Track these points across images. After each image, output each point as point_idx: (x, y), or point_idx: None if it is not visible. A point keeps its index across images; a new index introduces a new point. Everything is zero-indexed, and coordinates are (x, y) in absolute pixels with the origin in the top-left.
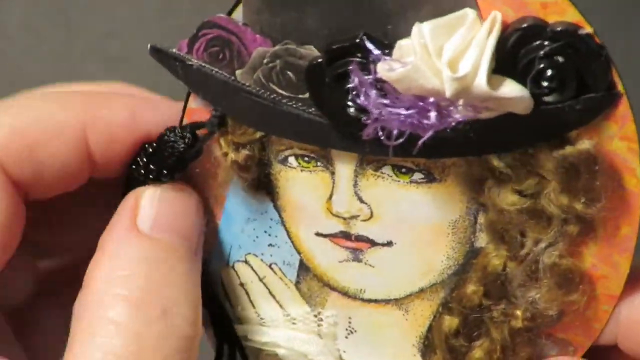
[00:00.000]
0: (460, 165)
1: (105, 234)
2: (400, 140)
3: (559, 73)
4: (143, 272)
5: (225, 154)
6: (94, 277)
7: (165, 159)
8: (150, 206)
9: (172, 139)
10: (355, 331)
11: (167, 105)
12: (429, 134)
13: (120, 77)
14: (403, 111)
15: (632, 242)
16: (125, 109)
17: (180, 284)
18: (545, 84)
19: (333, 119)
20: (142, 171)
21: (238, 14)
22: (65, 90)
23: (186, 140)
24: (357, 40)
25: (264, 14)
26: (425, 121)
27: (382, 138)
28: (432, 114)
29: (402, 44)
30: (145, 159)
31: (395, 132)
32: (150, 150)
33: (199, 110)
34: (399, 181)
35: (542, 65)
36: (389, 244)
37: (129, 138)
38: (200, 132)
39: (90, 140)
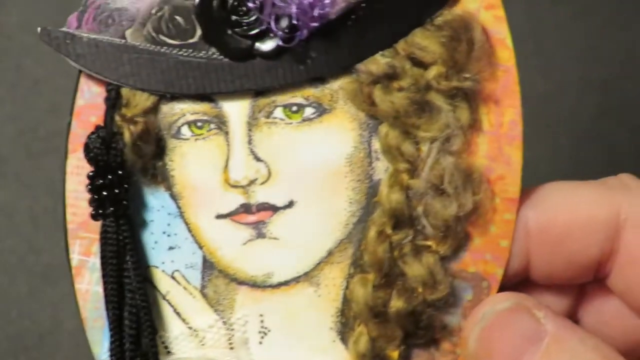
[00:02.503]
0: (347, 86)
1: None
2: (286, 23)
3: None
4: None
5: (122, 134)
6: None
7: (107, 168)
8: None
9: (96, 148)
10: (269, 331)
11: None
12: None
13: None
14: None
15: (519, 127)
16: None
17: None
18: None
19: (224, 48)
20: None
21: None
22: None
23: (99, 134)
24: None
25: None
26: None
27: (271, 25)
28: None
29: None
30: (95, 184)
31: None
32: (91, 173)
33: (86, 106)
34: (291, 123)
35: None
36: (291, 204)
37: None
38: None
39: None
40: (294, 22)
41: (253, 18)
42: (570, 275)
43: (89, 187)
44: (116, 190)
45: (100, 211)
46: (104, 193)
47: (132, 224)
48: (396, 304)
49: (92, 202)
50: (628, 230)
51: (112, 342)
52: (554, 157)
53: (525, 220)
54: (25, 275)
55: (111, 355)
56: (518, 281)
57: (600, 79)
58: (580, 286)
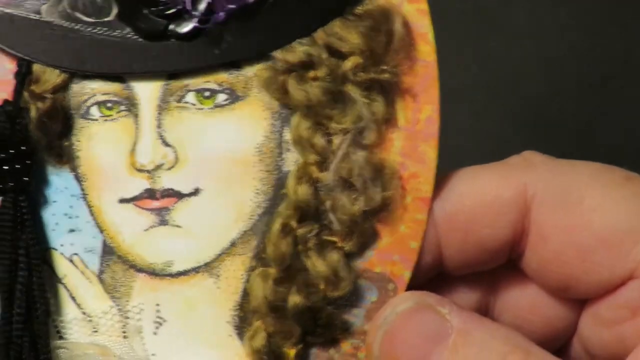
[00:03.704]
0: (262, 73)
1: None
2: (204, 5)
3: None
4: None
5: (29, 110)
6: None
7: (10, 142)
8: None
9: (0, 122)
10: (165, 321)
11: None
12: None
13: None
14: None
15: (436, 125)
16: None
17: None
18: None
19: (138, 27)
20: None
21: None
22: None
23: (5, 108)
24: None
25: None
26: None
27: (187, 6)
28: None
29: None
30: None
31: None
32: None
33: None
34: (202, 109)
35: None
36: (196, 192)
37: None
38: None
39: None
40: (211, 2)
41: None
42: (484, 261)
43: None
44: (17, 166)
45: (0, 186)
46: (5, 167)
47: (32, 201)
48: (294, 299)
49: None
50: (536, 207)
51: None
52: (553, 157)
53: (432, 212)
54: None
55: None
56: (432, 275)
57: (600, 79)
58: (492, 276)
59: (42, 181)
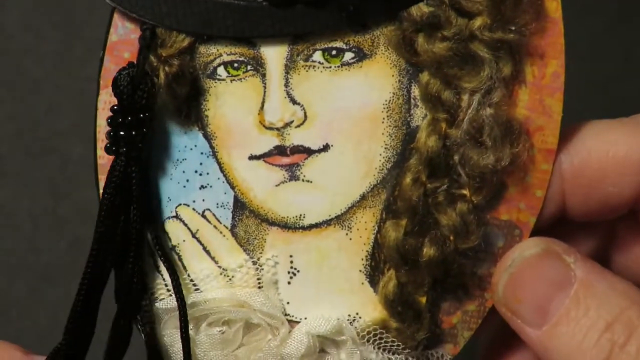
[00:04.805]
0: (388, 32)
1: None
2: None
3: None
4: None
5: (156, 75)
6: None
7: (130, 108)
8: None
9: (123, 86)
10: (298, 272)
11: None
12: None
13: None
14: None
15: (561, 79)
16: None
17: None
18: None
19: None
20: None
21: None
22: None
23: (130, 73)
24: None
25: None
26: None
27: None
28: None
29: None
30: (115, 119)
31: None
32: (115, 107)
33: (120, 42)
34: (330, 67)
35: None
36: (326, 148)
37: None
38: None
39: None
40: None
41: None
42: (605, 213)
43: (109, 120)
44: (133, 132)
45: (114, 148)
46: (121, 132)
47: (143, 169)
48: (428, 252)
49: (108, 135)
50: None
51: (83, 281)
52: None
53: (559, 164)
54: (25, 275)
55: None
56: (554, 222)
57: (600, 79)
58: (612, 226)
59: (171, 140)
